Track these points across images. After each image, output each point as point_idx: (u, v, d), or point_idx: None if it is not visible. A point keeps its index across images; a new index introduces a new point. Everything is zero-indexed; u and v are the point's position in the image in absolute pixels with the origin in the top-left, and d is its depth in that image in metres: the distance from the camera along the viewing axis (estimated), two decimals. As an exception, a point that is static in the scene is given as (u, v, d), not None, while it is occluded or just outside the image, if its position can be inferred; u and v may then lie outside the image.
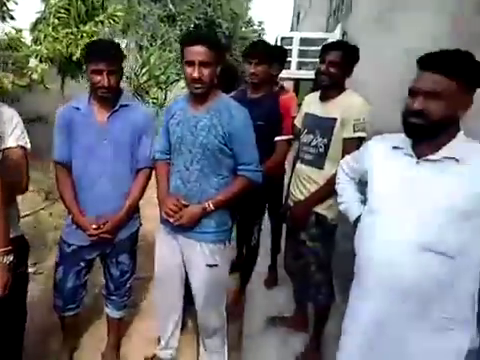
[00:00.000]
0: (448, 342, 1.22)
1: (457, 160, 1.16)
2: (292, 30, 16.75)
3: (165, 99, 7.18)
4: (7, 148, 1.45)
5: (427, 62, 1.16)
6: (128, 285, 2.05)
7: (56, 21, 5.35)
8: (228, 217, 1.83)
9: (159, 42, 9.74)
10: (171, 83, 7.34)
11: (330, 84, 1.95)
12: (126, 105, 1.85)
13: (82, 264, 1.91)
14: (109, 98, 1.79)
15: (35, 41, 5.59)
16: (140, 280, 2.66)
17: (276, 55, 2.62)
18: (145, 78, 6.94)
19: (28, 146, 1.53)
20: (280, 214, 2.45)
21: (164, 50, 10.14)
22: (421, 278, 1.20)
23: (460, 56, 1.15)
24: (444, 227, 1.17)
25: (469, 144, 1.19)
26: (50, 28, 5.34)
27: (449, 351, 1.23)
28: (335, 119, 1.93)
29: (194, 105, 1.72)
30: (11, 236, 1.38)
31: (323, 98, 2.03)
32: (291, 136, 2.29)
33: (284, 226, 2.47)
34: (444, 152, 1.18)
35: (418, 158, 1.23)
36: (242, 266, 2.72)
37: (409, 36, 2.12)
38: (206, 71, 1.60)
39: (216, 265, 1.77)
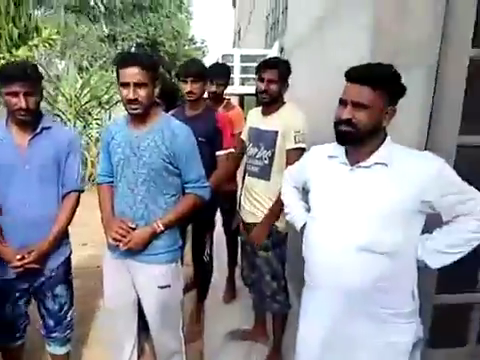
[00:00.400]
0: (395, 336, 1.29)
1: (386, 165, 1.25)
2: (234, 47, 17.17)
3: (109, 120, 7.01)
4: None
5: (353, 75, 1.25)
6: (69, 318, 1.93)
7: (-15, 45, 5.08)
8: (178, 236, 1.81)
9: (100, 62, 9.52)
10: (115, 103, 7.18)
11: (271, 100, 2.03)
12: (48, 127, 1.78)
13: (17, 294, 1.80)
14: (28, 121, 1.71)
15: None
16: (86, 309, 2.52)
17: (218, 72, 2.73)
18: (86, 99, 6.73)
19: None
20: (232, 228, 2.47)
21: (106, 70, 9.94)
22: (361, 278, 1.26)
23: (382, 69, 1.24)
24: (378, 228, 1.24)
25: (396, 149, 1.29)
26: (-21, 53, 5.06)
27: (397, 345, 1.30)
28: (277, 132, 2.01)
29: (135, 125, 1.70)
30: None
31: (265, 113, 2.11)
32: (231, 149, 2.34)
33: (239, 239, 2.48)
34: (374, 158, 1.26)
35: (352, 165, 1.30)
36: (198, 283, 2.69)
37: (338, 52, 2.25)
38: (142, 92, 1.59)
39: (168, 286, 1.73)
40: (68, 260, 1.92)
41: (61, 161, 1.79)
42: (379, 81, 1.21)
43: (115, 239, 1.67)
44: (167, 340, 1.83)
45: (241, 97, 6.55)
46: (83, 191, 1.89)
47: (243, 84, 6.15)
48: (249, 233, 2.15)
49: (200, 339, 2.47)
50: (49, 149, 1.75)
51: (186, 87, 2.27)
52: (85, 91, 6.89)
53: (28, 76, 1.66)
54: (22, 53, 5.11)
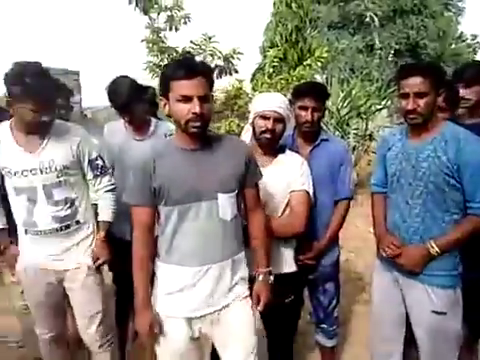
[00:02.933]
0: None
1: None
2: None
3: (366, 130, 7.08)
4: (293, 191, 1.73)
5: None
6: (335, 314, 2.10)
7: (271, 70, 6.20)
8: (458, 260, 1.66)
9: (359, 74, 9.79)
10: (373, 113, 7.21)
11: None
12: (326, 139, 1.97)
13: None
14: (311, 133, 1.95)
15: (253, 88, 6.58)
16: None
17: None
18: (346, 110, 7.05)
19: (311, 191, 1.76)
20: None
21: (362, 80, 10.09)
22: None
23: None
24: None
25: None
26: (266, 76, 6.21)
27: None
28: None
29: (414, 136, 1.68)
30: None
31: None
32: None
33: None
34: None
35: None
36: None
37: None
38: (421, 101, 1.56)
39: (444, 313, 1.61)
40: (337, 261, 2.09)
41: (335, 170, 1.97)
42: None
43: (385, 251, 1.70)
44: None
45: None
46: (352, 198, 2.01)
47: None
48: None
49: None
50: (326, 159, 1.96)
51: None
52: (345, 103, 7.23)
53: (319, 93, 1.93)
54: (297, 73, 5.90)
